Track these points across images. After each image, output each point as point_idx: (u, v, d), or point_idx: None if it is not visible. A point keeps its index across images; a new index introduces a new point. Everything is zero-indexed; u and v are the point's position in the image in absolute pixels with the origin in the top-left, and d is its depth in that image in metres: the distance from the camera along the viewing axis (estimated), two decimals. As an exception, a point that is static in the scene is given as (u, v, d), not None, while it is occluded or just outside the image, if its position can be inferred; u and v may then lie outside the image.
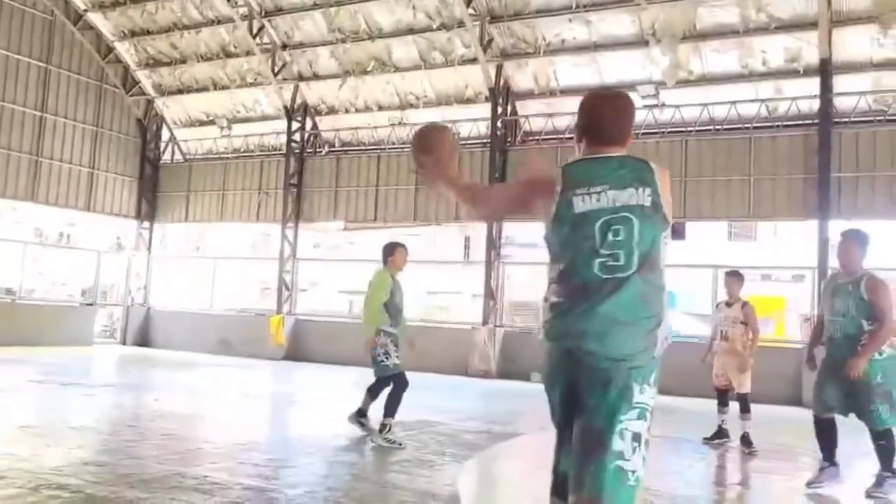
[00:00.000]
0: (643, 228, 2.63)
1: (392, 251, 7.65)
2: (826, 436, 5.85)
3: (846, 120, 14.34)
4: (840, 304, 5.69)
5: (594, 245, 2.62)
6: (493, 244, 17.05)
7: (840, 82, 14.30)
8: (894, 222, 14.55)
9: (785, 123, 14.89)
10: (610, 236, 2.61)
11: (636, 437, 2.55)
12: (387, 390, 7.51)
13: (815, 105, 14.39)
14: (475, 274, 17.55)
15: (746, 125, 15.12)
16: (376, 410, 7.43)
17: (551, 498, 2.80)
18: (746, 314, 8.13)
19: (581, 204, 2.64)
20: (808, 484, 5.91)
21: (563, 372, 2.69)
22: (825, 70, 14.16)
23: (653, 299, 2.63)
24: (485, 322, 16.64)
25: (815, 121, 14.40)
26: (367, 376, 7.80)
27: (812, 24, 14.02)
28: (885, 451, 5.61)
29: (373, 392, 7.62)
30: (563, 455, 2.73)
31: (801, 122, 14.74)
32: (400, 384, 7.44)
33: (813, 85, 14.40)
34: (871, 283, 5.60)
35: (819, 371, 5.90)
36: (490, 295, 16.81)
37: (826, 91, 14.20)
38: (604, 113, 2.80)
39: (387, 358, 7.41)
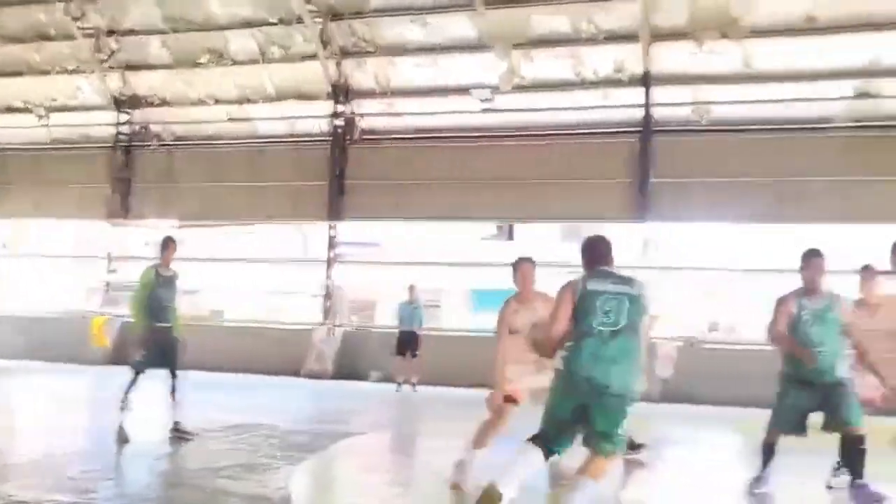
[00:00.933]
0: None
1: (164, 246, 7.75)
2: (771, 452, 5.85)
3: (666, 129, 15.34)
4: (820, 333, 5.60)
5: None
6: (331, 243, 16.87)
7: (661, 93, 15.23)
8: (709, 225, 15.97)
9: (613, 130, 15.72)
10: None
11: None
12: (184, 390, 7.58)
13: (640, 114, 15.30)
14: (313, 273, 17.30)
15: (577, 131, 15.81)
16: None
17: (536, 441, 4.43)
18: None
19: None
20: (751, 487, 5.87)
21: None
22: (646, 82, 15.09)
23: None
24: (324, 321, 16.46)
25: (640, 129, 15.33)
26: (190, 380, 7.63)
27: (635, 38, 14.88)
28: (862, 457, 5.43)
29: (173, 394, 7.56)
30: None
31: (627, 129, 15.61)
32: (134, 379, 7.54)
33: (638, 95, 15.30)
34: (846, 305, 5.74)
35: (786, 391, 5.75)
36: (328, 294, 16.65)
37: (647, 101, 15.13)
38: (596, 247, 4.90)
39: (136, 351, 7.63)
